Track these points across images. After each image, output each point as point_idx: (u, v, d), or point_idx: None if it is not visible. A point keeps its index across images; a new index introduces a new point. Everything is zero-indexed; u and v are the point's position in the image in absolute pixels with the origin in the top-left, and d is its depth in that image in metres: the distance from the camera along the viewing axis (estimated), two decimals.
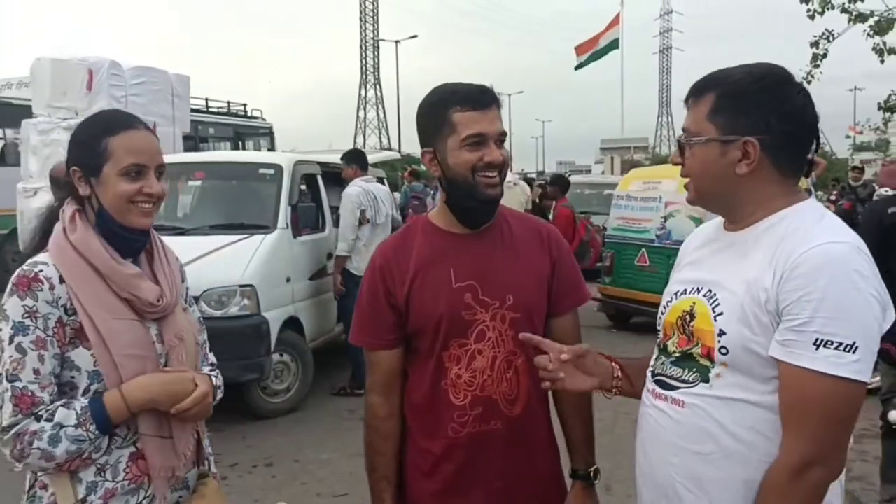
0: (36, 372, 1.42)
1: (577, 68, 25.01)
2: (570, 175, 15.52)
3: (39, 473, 1.49)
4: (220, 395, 1.71)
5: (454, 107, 1.64)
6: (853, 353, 1.22)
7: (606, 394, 1.62)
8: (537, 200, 9.98)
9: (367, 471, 1.79)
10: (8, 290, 1.46)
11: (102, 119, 1.61)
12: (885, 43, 11.41)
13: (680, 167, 1.46)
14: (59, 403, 1.44)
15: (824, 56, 11.59)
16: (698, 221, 6.87)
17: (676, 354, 1.44)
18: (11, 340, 1.42)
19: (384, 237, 4.73)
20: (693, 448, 1.37)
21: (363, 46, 75.55)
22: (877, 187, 10.62)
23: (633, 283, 7.95)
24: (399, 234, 1.83)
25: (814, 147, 1.40)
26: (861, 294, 1.24)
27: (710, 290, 1.39)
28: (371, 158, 7.19)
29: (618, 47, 24.92)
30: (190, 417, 1.57)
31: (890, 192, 6.30)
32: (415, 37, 41.81)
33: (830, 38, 11.53)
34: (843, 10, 11.19)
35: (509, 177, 7.76)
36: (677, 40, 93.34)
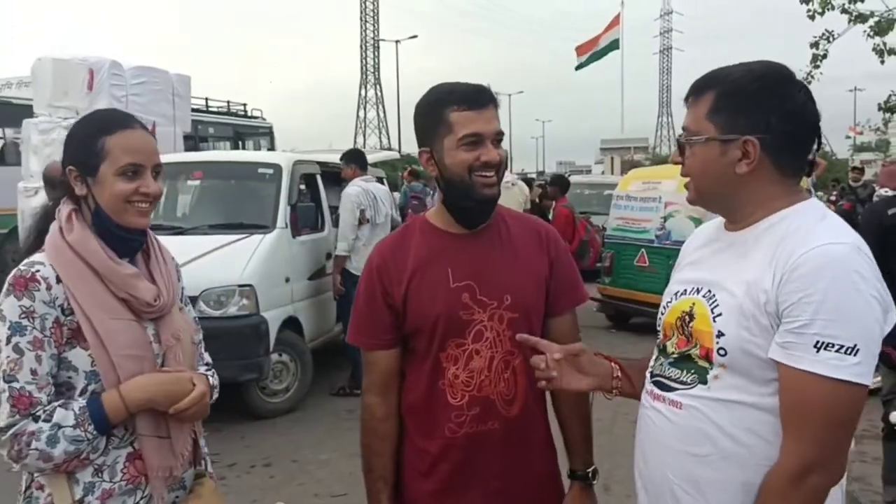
0: (33, 372, 1.42)
1: (577, 68, 25.01)
2: (569, 175, 15.53)
3: (36, 474, 1.49)
4: (216, 395, 1.71)
5: (451, 106, 1.63)
6: (854, 355, 1.21)
7: (607, 395, 1.61)
8: (537, 201, 9.98)
9: (364, 471, 1.78)
10: (4, 290, 1.46)
11: (99, 118, 1.61)
12: (885, 43, 11.42)
13: (680, 167, 1.45)
14: (56, 404, 1.43)
15: (824, 56, 11.60)
16: (698, 222, 6.87)
17: (675, 355, 1.43)
18: (8, 341, 1.42)
19: (383, 237, 4.73)
20: (690, 450, 1.36)
21: (363, 46, 75.60)
22: (877, 188, 10.63)
23: (633, 284, 7.95)
24: (396, 234, 1.83)
25: (815, 146, 1.38)
26: (862, 295, 1.22)
27: (709, 291, 1.38)
28: (370, 158, 7.20)
29: (618, 47, 24.90)
30: (188, 417, 1.57)
31: (890, 193, 6.30)
32: (415, 37, 41.84)
33: (830, 39, 11.54)
34: (844, 11, 11.20)
35: (507, 177, 7.75)
36: (677, 41, 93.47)
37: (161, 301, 1.58)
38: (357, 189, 5.97)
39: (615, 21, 24.83)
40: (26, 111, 9.35)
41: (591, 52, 24.36)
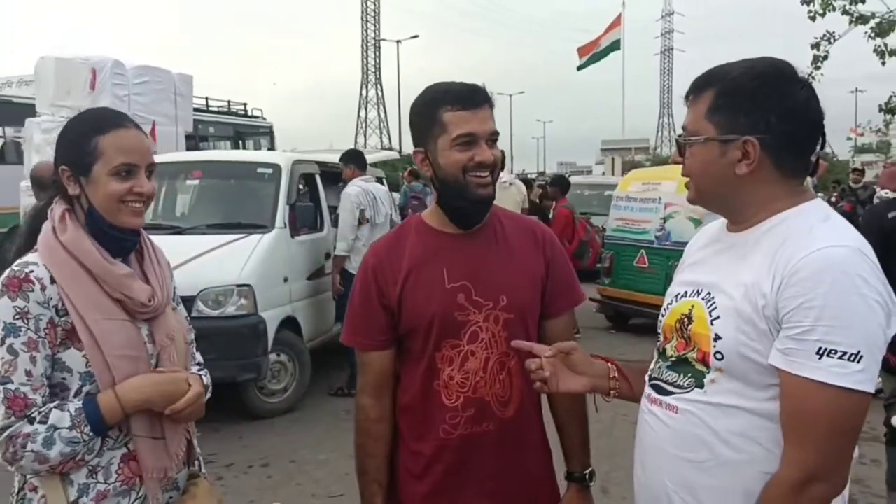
0: (28, 374, 1.41)
1: (579, 69, 25.05)
2: (570, 176, 15.52)
3: (29, 475, 1.48)
4: (208, 395, 1.70)
5: (445, 106, 1.62)
6: (857, 362, 1.17)
7: (605, 396, 1.60)
8: (538, 201, 9.97)
9: (358, 473, 1.77)
10: None
11: (92, 117, 1.60)
12: (886, 45, 11.41)
13: (680, 168, 1.43)
14: (52, 405, 1.42)
15: (825, 58, 11.59)
16: (697, 223, 6.87)
17: (673, 359, 1.41)
18: (3, 342, 1.41)
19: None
20: (687, 456, 1.34)
21: (364, 46, 75.63)
22: (877, 189, 10.61)
23: (633, 285, 7.95)
24: (392, 234, 1.82)
25: (819, 145, 1.35)
26: (864, 300, 1.19)
27: (708, 293, 1.35)
28: (370, 158, 7.20)
29: (619, 48, 24.93)
30: (184, 418, 1.57)
31: (891, 195, 6.28)
32: (416, 37, 41.91)
33: (831, 40, 11.53)
34: (845, 12, 11.19)
35: (505, 176, 7.76)
36: (679, 41, 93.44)
37: (155, 301, 1.57)
38: (357, 189, 5.96)
39: (616, 22, 24.87)
40: (27, 110, 9.37)
41: (592, 53, 24.39)
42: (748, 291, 1.27)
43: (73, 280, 1.48)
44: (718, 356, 1.30)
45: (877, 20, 11.25)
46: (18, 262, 1.49)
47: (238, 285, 5.10)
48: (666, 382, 1.41)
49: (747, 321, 1.27)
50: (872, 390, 1.21)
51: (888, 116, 13.23)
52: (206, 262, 5.09)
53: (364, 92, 75.74)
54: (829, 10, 11.09)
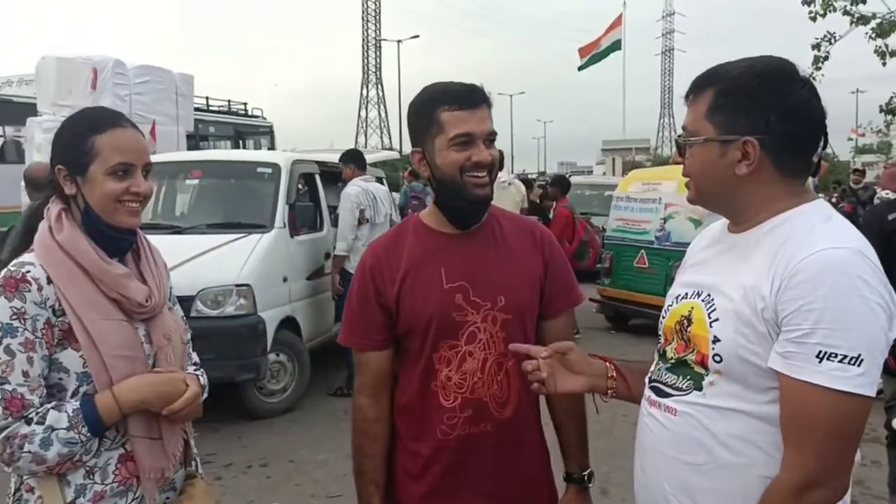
0: (25, 374, 1.40)
1: (580, 69, 25.07)
2: (570, 176, 15.52)
3: (26, 476, 1.47)
4: (205, 395, 1.69)
5: (442, 106, 1.62)
6: (858, 365, 1.16)
7: (602, 396, 1.59)
8: (538, 201, 9.97)
9: (355, 473, 1.77)
10: None
11: (88, 116, 1.59)
12: (886, 45, 11.43)
13: (681, 167, 1.41)
14: (49, 406, 1.42)
15: (826, 58, 11.60)
16: (698, 223, 6.86)
17: (672, 360, 1.40)
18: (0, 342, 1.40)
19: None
20: (685, 458, 1.33)
21: (365, 46, 75.64)
22: (878, 190, 10.60)
23: (633, 285, 7.94)
24: (390, 234, 1.81)
25: (821, 145, 1.33)
26: (866, 303, 1.17)
27: (708, 295, 1.34)
28: (370, 158, 7.20)
29: (620, 48, 24.94)
30: (181, 418, 1.56)
31: (891, 196, 6.27)
32: (417, 36, 41.94)
33: (832, 41, 11.53)
34: (845, 13, 11.20)
35: (504, 176, 7.75)
36: (679, 42, 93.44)
37: (152, 301, 1.57)
38: (357, 189, 5.96)
39: (617, 22, 24.89)
40: (27, 109, 9.38)
41: (593, 53, 24.41)
42: (747, 293, 1.26)
43: (70, 280, 1.47)
44: (717, 358, 1.29)
45: (877, 21, 11.26)
46: (15, 262, 1.48)
47: (237, 285, 5.10)
48: (665, 384, 1.40)
49: (746, 323, 1.25)
50: (873, 394, 1.19)
51: (889, 117, 13.24)
52: (206, 262, 5.09)
53: (365, 92, 75.84)
54: (830, 11, 11.09)
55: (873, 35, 11.36)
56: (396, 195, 9.33)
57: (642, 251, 7.86)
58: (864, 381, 1.17)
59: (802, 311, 1.18)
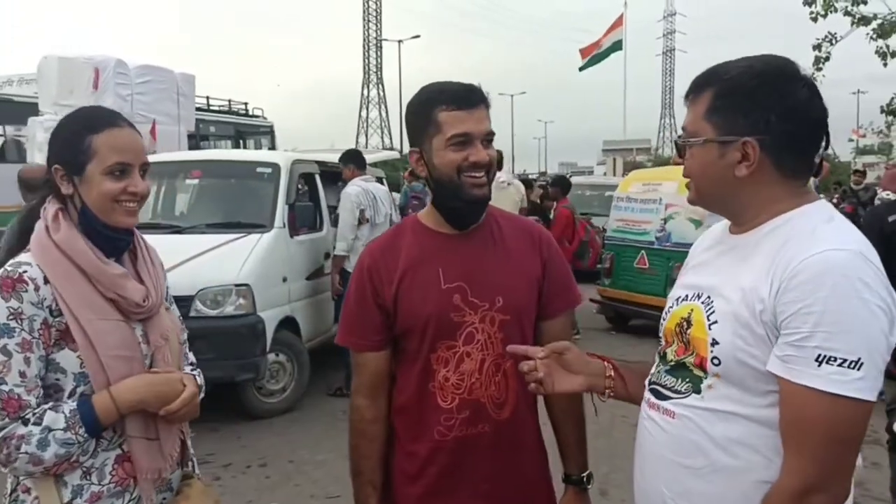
0: (22, 375, 1.40)
1: (581, 69, 25.07)
2: (571, 176, 15.52)
3: (22, 477, 1.47)
4: (202, 395, 1.69)
5: (440, 106, 1.61)
6: (857, 369, 1.14)
7: (600, 396, 1.58)
8: (538, 201, 9.97)
9: (352, 474, 1.76)
10: None
11: (85, 116, 1.58)
12: (887, 46, 11.42)
13: (681, 168, 1.40)
14: (46, 407, 1.41)
15: (827, 59, 11.60)
16: (698, 224, 6.85)
17: (672, 363, 1.39)
18: None
19: None
20: (683, 462, 1.32)
21: (366, 46, 75.66)
22: (879, 191, 10.59)
23: (633, 286, 7.93)
24: (388, 234, 1.81)
25: (823, 145, 1.31)
26: (866, 305, 1.15)
27: (708, 297, 1.32)
28: (370, 158, 7.19)
29: (621, 48, 24.94)
30: (178, 418, 1.56)
31: (892, 197, 6.26)
32: (417, 36, 41.92)
33: (833, 41, 11.53)
34: (847, 13, 11.20)
35: (504, 176, 7.75)
36: (680, 42, 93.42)
37: (150, 301, 1.56)
38: (357, 189, 5.96)
39: (618, 22, 24.90)
40: (28, 108, 9.39)
41: (594, 54, 24.41)
42: (746, 295, 1.24)
43: (67, 280, 1.46)
44: (715, 361, 1.28)
45: (878, 21, 11.26)
46: (11, 262, 1.48)
47: (236, 285, 5.09)
48: (664, 387, 1.39)
49: (744, 326, 1.24)
50: (873, 398, 1.17)
51: (890, 118, 13.24)
52: (205, 262, 5.09)
53: (366, 92, 75.87)
54: (831, 12, 11.09)
55: (874, 36, 11.37)
56: (397, 195, 9.33)
57: (643, 252, 7.85)
58: (864, 385, 1.15)
59: (801, 313, 1.16)
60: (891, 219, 3.45)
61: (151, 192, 6.12)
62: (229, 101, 16.08)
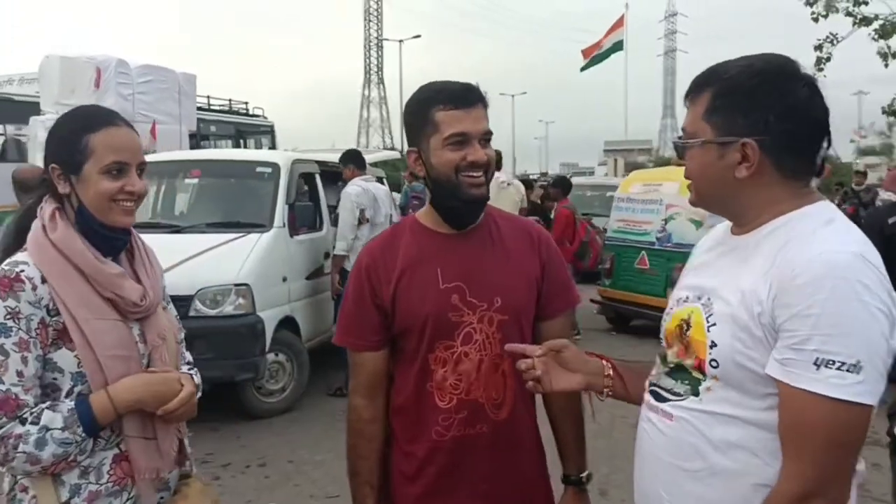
0: (19, 374, 1.39)
1: (582, 70, 25.06)
2: (572, 177, 15.52)
3: (20, 476, 1.46)
4: (199, 394, 1.68)
5: (437, 105, 1.61)
6: (857, 373, 1.12)
7: (599, 395, 1.56)
8: (539, 202, 9.96)
9: (350, 475, 1.76)
10: None
11: (82, 115, 1.58)
12: (889, 47, 11.42)
13: (683, 169, 1.39)
14: (44, 406, 1.41)
15: (828, 59, 11.59)
16: (699, 224, 6.85)
17: (672, 365, 1.38)
18: None
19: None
20: (681, 465, 1.30)
21: (367, 46, 75.71)
22: (881, 192, 10.59)
23: (633, 286, 7.92)
24: (387, 234, 1.81)
25: (825, 144, 1.28)
26: (866, 308, 1.13)
27: (708, 299, 1.30)
28: (370, 158, 7.20)
29: (622, 49, 24.93)
30: (176, 418, 1.56)
31: (894, 198, 6.26)
32: (418, 36, 41.95)
33: (834, 42, 11.53)
34: (848, 14, 11.19)
35: (503, 176, 7.75)
36: (682, 42, 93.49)
37: (147, 301, 1.56)
38: (357, 189, 5.96)
39: (619, 22, 24.88)
40: (28, 108, 9.40)
41: (595, 55, 24.40)
42: (745, 297, 1.22)
43: (65, 279, 1.46)
44: (714, 364, 1.26)
45: (880, 22, 11.25)
46: (9, 261, 1.47)
47: (236, 284, 5.09)
48: (663, 389, 1.38)
49: (743, 328, 1.22)
50: (873, 402, 1.14)
51: (891, 119, 13.24)
52: (205, 261, 5.09)
53: (367, 91, 75.91)
54: (833, 12, 11.09)
55: (876, 36, 11.36)
56: (397, 195, 9.33)
57: (643, 252, 7.84)
58: (864, 389, 1.13)
59: (800, 316, 1.15)
60: (891, 220, 3.45)
61: (151, 192, 6.12)
62: (230, 100, 16.09)
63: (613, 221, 8.45)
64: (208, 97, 14.82)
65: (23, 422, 1.38)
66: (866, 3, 11.16)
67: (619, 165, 26.68)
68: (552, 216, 8.88)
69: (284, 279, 5.58)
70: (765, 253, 1.24)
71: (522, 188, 8.44)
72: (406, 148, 1.80)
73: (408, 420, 1.70)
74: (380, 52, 74.98)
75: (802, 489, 1.16)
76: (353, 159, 6.34)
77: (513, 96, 60.00)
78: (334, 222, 6.23)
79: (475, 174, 1.61)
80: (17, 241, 1.54)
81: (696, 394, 1.30)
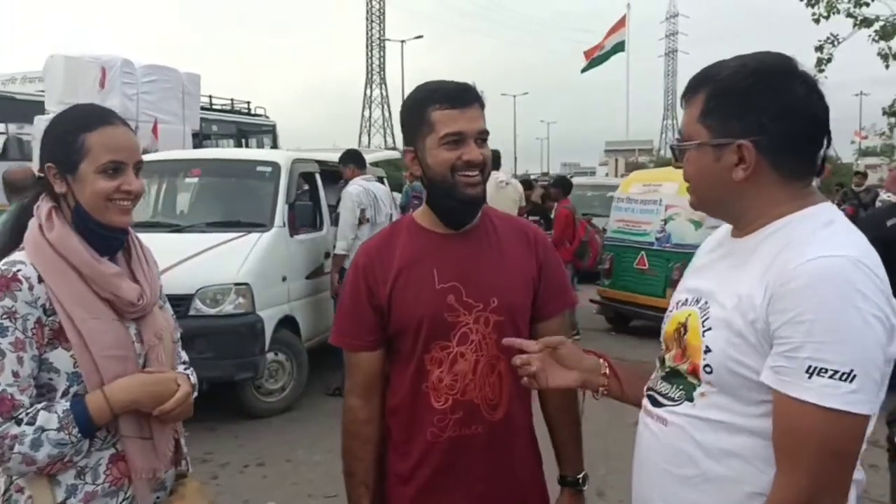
0: (15, 374, 1.39)
1: (583, 71, 25.02)
2: (573, 177, 15.51)
3: (16, 476, 1.46)
4: (195, 394, 1.69)
5: (433, 105, 1.61)
6: (850, 381, 1.09)
7: (594, 394, 1.55)
8: (539, 202, 9.96)
9: (345, 475, 1.76)
10: None
11: (79, 114, 1.58)
12: (890, 48, 11.40)
13: (682, 170, 1.36)
14: (39, 406, 1.40)
15: (829, 60, 11.57)
16: (698, 225, 6.84)
17: (668, 369, 1.36)
18: None
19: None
20: (674, 471, 1.29)
21: (369, 46, 75.67)
22: (881, 192, 10.58)
23: (633, 286, 7.91)
24: (383, 234, 1.80)
25: (825, 143, 1.25)
26: (860, 314, 1.10)
27: (706, 302, 1.28)
28: (370, 158, 7.19)
29: (623, 49, 24.88)
30: (172, 418, 1.55)
31: (894, 199, 6.26)
32: (420, 37, 42.08)
33: (835, 43, 11.51)
34: (849, 15, 11.18)
35: (502, 176, 7.74)
36: (683, 43, 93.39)
37: (144, 300, 1.56)
38: (358, 188, 5.95)
39: (620, 24, 24.82)
40: (31, 107, 9.41)
41: (596, 55, 24.36)
42: (741, 302, 1.20)
43: (61, 279, 1.46)
44: (707, 369, 1.24)
45: (881, 23, 11.23)
46: (5, 260, 1.47)
47: (236, 284, 5.09)
48: (659, 394, 1.37)
49: (737, 334, 1.19)
50: (868, 412, 1.13)
51: (892, 120, 13.22)
52: (205, 261, 5.09)
53: (368, 91, 75.86)
54: (834, 13, 11.07)
55: (876, 38, 11.34)
56: (398, 195, 9.33)
57: (642, 252, 7.83)
58: (857, 399, 1.10)
59: (793, 322, 1.12)
60: (889, 223, 3.42)
61: (151, 191, 6.12)
62: (232, 100, 16.09)
63: (613, 221, 8.43)
64: (210, 97, 14.82)
65: (18, 422, 1.38)
66: (867, 5, 11.14)
67: (620, 165, 26.64)
68: (552, 216, 8.88)
69: (284, 279, 5.58)
70: (763, 256, 1.22)
71: (521, 188, 8.44)
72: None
73: (403, 420, 1.70)
74: (382, 53, 75.04)
75: (796, 499, 1.14)
76: (353, 159, 6.34)
77: (514, 97, 60.02)
78: (334, 222, 6.22)
79: (471, 174, 1.61)
80: (13, 240, 1.53)
81: (691, 399, 1.28)
